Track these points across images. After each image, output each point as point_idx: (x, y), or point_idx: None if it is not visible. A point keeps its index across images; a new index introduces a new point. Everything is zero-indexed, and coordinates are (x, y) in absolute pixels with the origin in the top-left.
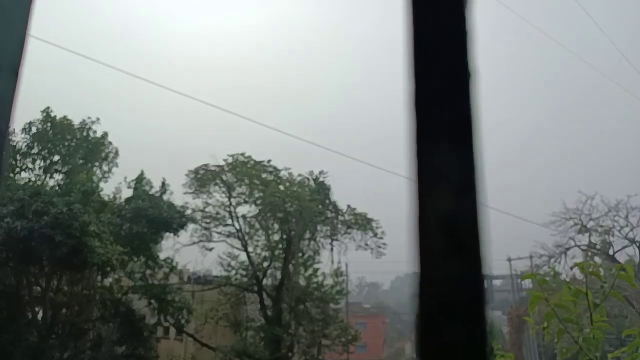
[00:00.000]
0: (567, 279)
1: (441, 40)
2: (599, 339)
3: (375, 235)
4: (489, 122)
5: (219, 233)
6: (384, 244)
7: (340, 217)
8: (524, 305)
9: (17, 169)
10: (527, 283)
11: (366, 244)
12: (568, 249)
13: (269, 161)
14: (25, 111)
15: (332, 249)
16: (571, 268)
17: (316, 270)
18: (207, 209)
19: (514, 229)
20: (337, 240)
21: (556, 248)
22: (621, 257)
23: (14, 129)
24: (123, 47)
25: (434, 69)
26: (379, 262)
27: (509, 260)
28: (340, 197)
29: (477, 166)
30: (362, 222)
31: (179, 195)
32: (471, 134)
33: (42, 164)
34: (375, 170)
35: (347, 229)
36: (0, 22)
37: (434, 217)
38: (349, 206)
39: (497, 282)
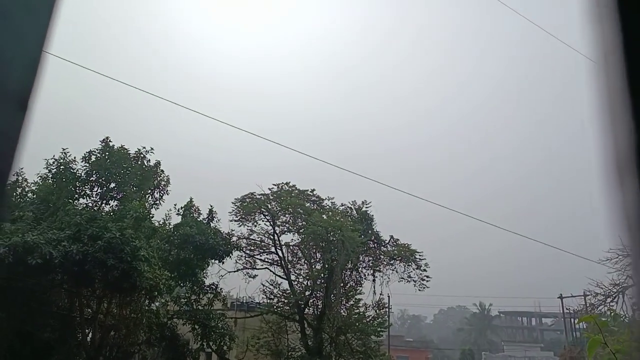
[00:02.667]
0: (626, 321)
1: None
2: None
3: (418, 267)
4: (547, 154)
5: (263, 260)
6: (428, 276)
7: (383, 248)
8: (578, 346)
9: (76, 195)
10: (582, 322)
11: (409, 276)
12: (626, 288)
13: (312, 190)
14: (87, 141)
15: (374, 280)
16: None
17: (358, 301)
18: (251, 237)
19: (566, 266)
20: (379, 271)
21: (613, 287)
22: None
23: (74, 157)
24: (173, 78)
25: None
26: (422, 295)
27: (561, 298)
28: (383, 227)
29: None
30: (405, 254)
31: (225, 223)
32: None
33: (99, 190)
34: (419, 201)
35: (389, 260)
36: (6, 43)
37: None
38: (391, 237)
39: (547, 320)
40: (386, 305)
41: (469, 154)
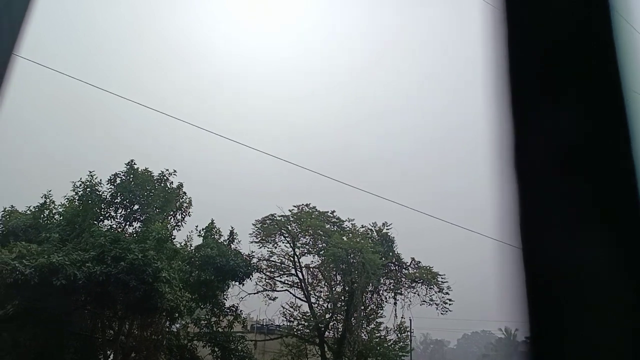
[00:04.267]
0: None
1: None
2: None
3: (440, 290)
4: None
5: (283, 282)
6: (450, 300)
7: (404, 271)
8: None
9: (101, 217)
10: None
11: (431, 299)
12: None
13: (332, 212)
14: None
15: (395, 303)
16: None
17: (379, 324)
18: (272, 258)
19: None
20: (400, 294)
21: None
22: None
23: (100, 179)
24: (191, 101)
25: None
26: (445, 319)
27: None
28: (405, 250)
29: None
30: (427, 276)
31: (246, 244)
32: None
33: (123, 212)
34: (442, 224)
35: (411, 283)
36: None
37: None
38: (413, 259)
39: None
40: (408, 329)
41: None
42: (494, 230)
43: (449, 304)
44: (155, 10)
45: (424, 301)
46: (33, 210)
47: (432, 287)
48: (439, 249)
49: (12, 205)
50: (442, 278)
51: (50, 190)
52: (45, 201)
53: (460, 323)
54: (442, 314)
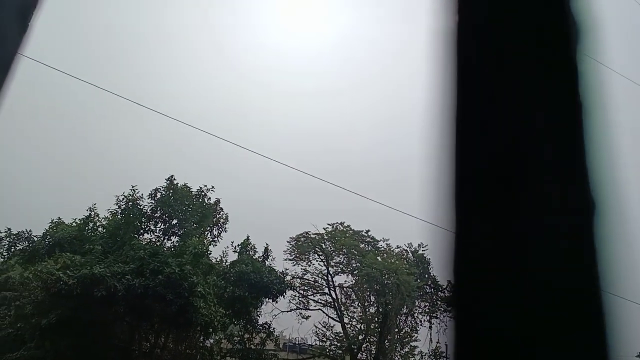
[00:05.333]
0: None
1: None
2: None
3: None
4: None
5: (316, 301)
6: None
7: (440, 294)
8: None
9: (141, 231)
10: None
11: None
12: None
13: (367, 231)
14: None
15: (430, 327)
16: None
17: (413, 348)
18: (305, 276)
19: None
20: (436, 317)
21: None
22: None
23: (141, 194)
24: (228, 118)
25: None
26: None
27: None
28: (441, 272)
29: None
30: None
31: (280, 261)
32: None
33: (162, 226)
34: None
35: (447, 307)
36: None
37: None
38: (449, 282)
39: None
40: (444, 355)
41: None
42: None
43: None
44: (187, 21)
45: None
46: (78, 222)
47: None
48: None
49: (59, 217)
50: None
51: (95, 204)
52: (90, 214)
53: None
54: None
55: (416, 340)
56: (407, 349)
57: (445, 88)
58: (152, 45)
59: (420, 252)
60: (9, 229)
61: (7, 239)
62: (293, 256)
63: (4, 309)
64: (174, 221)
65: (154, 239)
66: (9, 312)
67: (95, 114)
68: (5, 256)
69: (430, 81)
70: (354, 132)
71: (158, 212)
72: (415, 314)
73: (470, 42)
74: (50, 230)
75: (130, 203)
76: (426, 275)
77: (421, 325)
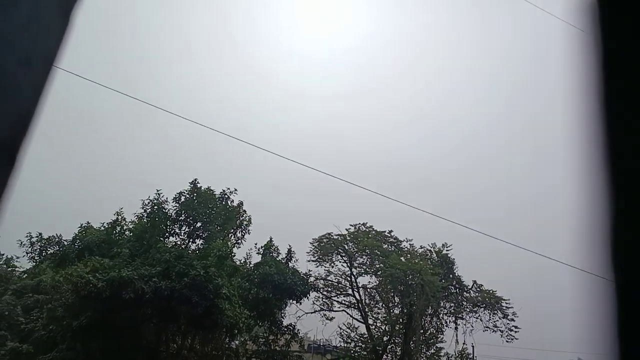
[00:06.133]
0: None
1: None
2: None
3: (505, 316)
4: None
5: (340, 303)
6: (516, 327)
7: (466, 294)
8: None
9: (167, 234)
10: None
11: (495, 326)
12: None
13: (390, 232)
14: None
15: (456, 328)
16: None
17: (439, 349)
18: (329, 278)
19: None
20: (462, 318)
21: None
22: None
23: (166, 198)
24: (248, 121)
25: None
26: (511, 347)
27: None
28: (465, 272)
29: None
30: (490, 301)
31: (303, 263)
32: None
33: (186, 229)
34: (504, 245)
35: (473, 307)
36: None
37: None
38: (474, 282)
39: None
40: (470, 356)
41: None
42: (571, 255)
43: (515, 332)
44: (211, 30)
45: (487, 327)
46: (106, 226)
47: (495, 312)
48: (503, 272)
49: (88, 222)
50: (506, 303)
51: (122, 208)
52: (117, 218)
53: (529, 353)
54: (507, 341)
55: (442, 342)
56: (432, 350)
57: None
58: (173, 51)
59: (444, 252)
60: (40, 234)
61: (39, 243)
62: (316, 257)
63: (36, 312)
64: (198, 224)
65: (179, 242)
66: (42, 315)
67: (120, 121)
68: (37, 260)
69: (569, 82)
70: (376, 134)
71: (183, 215)
72: (441, 315)
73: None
74: (80, 234)
75: (155, 207)
76: (450, 276)
77: (447, 326)
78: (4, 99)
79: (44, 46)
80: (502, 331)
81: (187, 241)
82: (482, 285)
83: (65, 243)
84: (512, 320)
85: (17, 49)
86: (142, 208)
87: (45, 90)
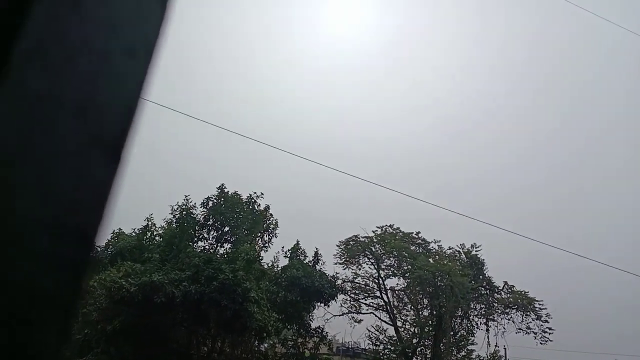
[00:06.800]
0: None
1: None
2: None
3: (538, 317)
4: None
5: (368, 305)
6: (550, 328)
7: (497, 295)
8: None
9: (195, 239)
10: None
11: (528, 327)
12: None
13: (417, 233)
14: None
15: (487, 330)
16: None
17: (470, 352)
18: (356, 280)
19: None
20: (493, 320)
21: None
22: None
23: (194, 203)
24: (273, 124)
25: None
26: (545, 349)
27: None
28: (496, 273)
29: None
30: (522, 302)
31: (330, 265)
32: None
33: (214, 234)
34: (537, 245)
35: (504, 309)
36: (104, 88)
37: None
38: (505, 283)
39: None
40: (502, 359)
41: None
42: (610, 256)
43: (549, 333)
44: (229, 39)
45: (519, 329)
46: (137, 232)
47: (528, 313)
48: (536, 273)
49: (119, 228)
50: (539, 304)
51: (152, 214)
52: (147, 224)
53: (564, 355)
54: (541, 343)
55: (473, 344)
56: (463, 353)
57: None
58: (189, 56)
59: (473, 252)
60: None
61: None
62: (343, 260)
63: None
64: (226, 228)
65: (207, 246)
66: (77, 319)
67: (146, 126)
68: None
69: None
70: (405, 136)
71: (210, 220)
72: (471, 317)
73: None
74: (112, 240)
75: (184, 212)
76: (480, 277)
77: (478, 328)
78: (110, 90)
79: (146, 37)
80: (535, 333)
81: (215, 245)
82: (513, 286)
83: (98, 249)
84: (546, 321)
85: (122, 37)
86: (171, 213)
87: (147, 84)
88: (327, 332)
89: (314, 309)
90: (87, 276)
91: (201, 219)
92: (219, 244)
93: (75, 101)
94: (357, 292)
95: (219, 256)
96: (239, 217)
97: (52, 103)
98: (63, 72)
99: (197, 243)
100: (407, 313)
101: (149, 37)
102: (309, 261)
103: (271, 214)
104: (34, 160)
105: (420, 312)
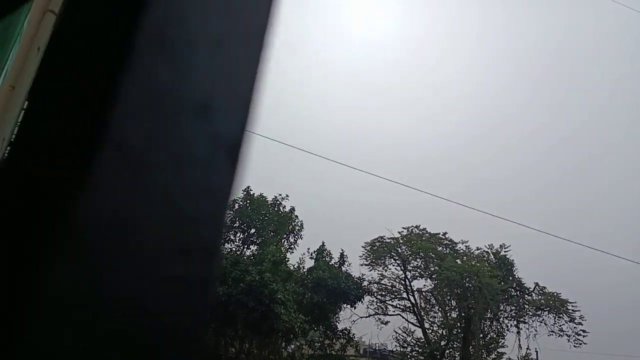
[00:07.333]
0: None
1: None
2: None
3: (572, 320)
4: None
5: (394, 306)
6: (584, 331)
7: (527, 297)
8: None
9: (222, 240)
10: None
11: (561, 330)
12: None
13: (444, 234)
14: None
15: (518, 332)
16: None
17: (501, 355)
18: (382, 281)
19: None
20: (524, 322)
21: None
22: None
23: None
24: (300, 126)
25: None
26: (578, 352)
27: None
28: (526, 274)
29: None
30: (555, 304)
31: (356, 267)
32: None
33: (241, 236)
34: (567, 244)
35: (536, 311)
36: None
37: None
38: (537, 284)
39: None
40: None
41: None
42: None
43: (584, 336)
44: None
45: (552, 331)
46: None
47: (561, 315)
48: (569, 274)
49: None
50: (572, 306)
51: None
52: None
53: (599, 358)
54: (575, 346)
55: (503, 347)
56: (493, 356)
57: None
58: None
59: (502, 253)
60: None
61: None
62: (369, 261)
63: None
64: (252, 230)
65: (234, 249)
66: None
67: None
68: None
69: None
70: (432, 138)
71: (237, 222)
72: (501, 319)
73: None
74: None
75: None
76: (510, 278)
77: (508, 330)
78: (228, 83)
79: (259, 23)
80: (568, 335)
81: (241, 247)
82: (545, 287)
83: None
84: (580, 324)
85: (239, 23)
86: None
87: (261, 75)
88: (354, 334)
89: (340, 311)
90: (214, 299)
91: (227, 220)
92: (246, 246)
93: (197, 97)
94: (383, 293)
95: (245, 258)
96: (265, 219)
97: (176, 100)
98: (185, 64)
99: (224, 245)
100: (435, 315)
101: (262, 23)
102: (334, 263)
103: (296, 216)
104: (161, 169)
105: (448, 314)
